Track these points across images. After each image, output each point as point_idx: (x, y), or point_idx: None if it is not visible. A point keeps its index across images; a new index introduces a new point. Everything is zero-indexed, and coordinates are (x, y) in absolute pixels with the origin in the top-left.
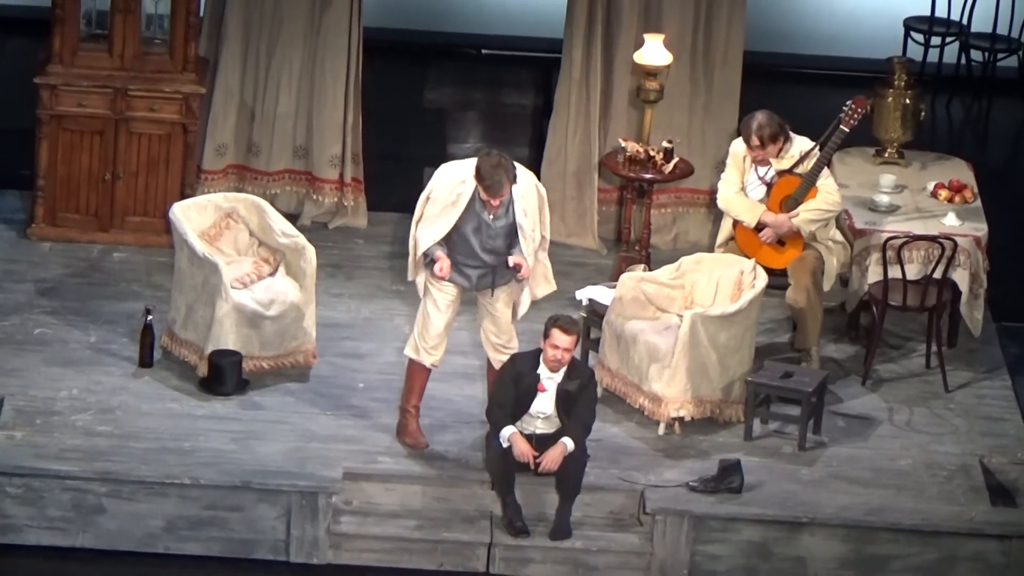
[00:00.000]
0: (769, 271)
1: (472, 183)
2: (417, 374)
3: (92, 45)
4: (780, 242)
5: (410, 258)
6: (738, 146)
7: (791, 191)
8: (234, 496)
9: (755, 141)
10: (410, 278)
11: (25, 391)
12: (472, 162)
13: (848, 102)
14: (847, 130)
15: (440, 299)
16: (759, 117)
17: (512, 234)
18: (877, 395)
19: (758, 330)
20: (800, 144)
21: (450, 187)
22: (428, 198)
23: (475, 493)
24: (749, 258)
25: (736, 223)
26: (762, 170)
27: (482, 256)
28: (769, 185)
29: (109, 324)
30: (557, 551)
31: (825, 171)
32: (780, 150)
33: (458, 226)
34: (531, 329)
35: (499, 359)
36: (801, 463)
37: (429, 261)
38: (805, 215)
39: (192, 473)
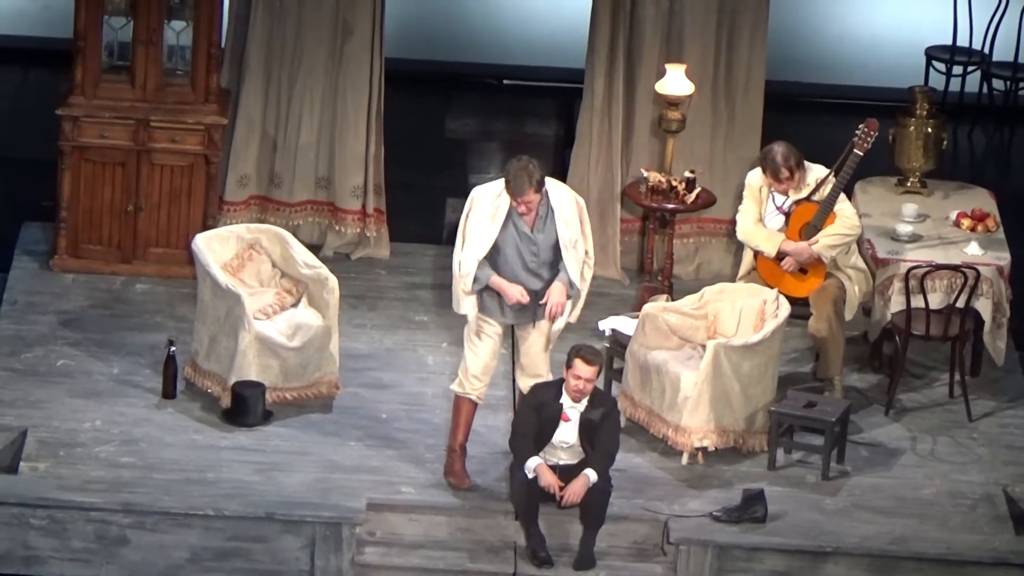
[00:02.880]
0: (791, 300)
1: (507, 196)
2: (462, 409)
3: (114, 76)
4: (802, 270)
5: (455, 287)
6: (754, 177)
7: (809, 219)
8: (258, 527)
9: (785, 173)
10: (459, 310)
11: (48, 423)
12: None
13: (860, 126)
14: (861, 154)
15: (484, 334)
16: (781, 149)
17: (556, 251)
18: (900, 424)
19: (781, 360)
20: (815, 172)
21: (488, 201)
22: (467, 216)
23: (499, 523)
24: (771, 288)
25: (757, 253)
26: (779, 199)
27: (526, 280)
28: (787, 214)
29: (132, 355)
30: None
31: (842, 196)
32: (801, 177)
33: (499, 246)
34: (556, 360)
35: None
36: (824, 493)
37: (481, 289)
38: (825, 241)
39: (216, 504)
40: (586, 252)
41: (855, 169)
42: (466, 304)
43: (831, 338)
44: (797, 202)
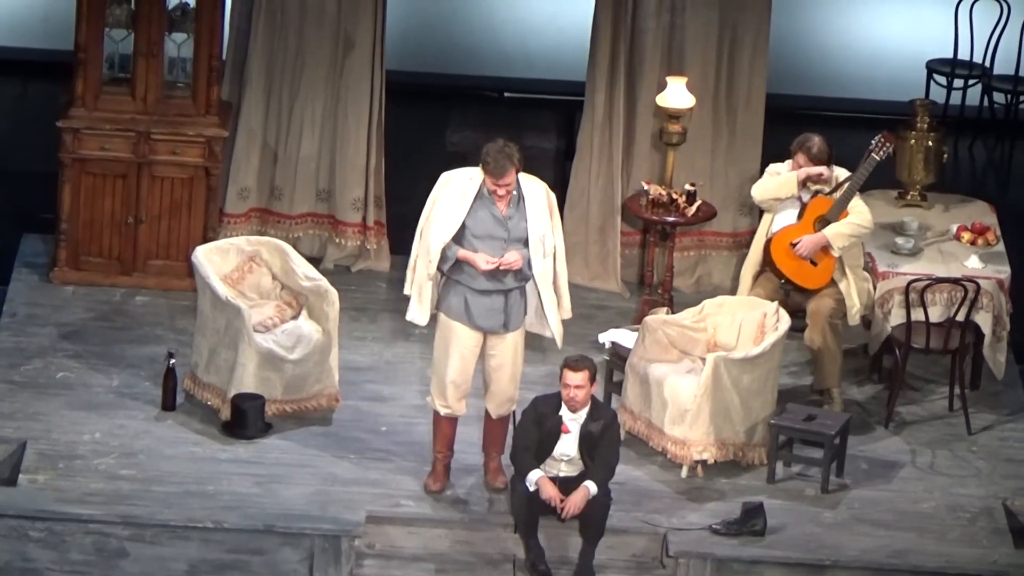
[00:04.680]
0: (794, 310)
1: (479, 179)
2: (438, 422)
3: (115, 89)
4: (812, 262)
5: (410, 266)
6: (778, 167)
7: (824, 212)
8: (257, 540)
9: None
10: (406, 291)
11: (48, 435)
12: (476, 168)
13: (877, 136)
14: (878, 159)
15: (452, 348)
16: (817, 142)
17: (525, 243)
18: (900, 437)
19: (781, 373)
20: (839, 172)
21: (457, 184)
22: (435, 200)
23: (498, 536)
24: (780, 275)
25: (768, 245)
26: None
27: (491, 277)
28: (803, 203)
29: (132, 368)
30: None
31: (857, 195)
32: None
33: (469, 227)
34: (553, 373)
35: (497, 410)
36: (824, 506)
37: (452, 266)
38: (840, 229)
39: (215, 516)
40: (555, 248)
41: (871, 172)
42: (420, 304)
43: (826, 350)
44: (815, 193)
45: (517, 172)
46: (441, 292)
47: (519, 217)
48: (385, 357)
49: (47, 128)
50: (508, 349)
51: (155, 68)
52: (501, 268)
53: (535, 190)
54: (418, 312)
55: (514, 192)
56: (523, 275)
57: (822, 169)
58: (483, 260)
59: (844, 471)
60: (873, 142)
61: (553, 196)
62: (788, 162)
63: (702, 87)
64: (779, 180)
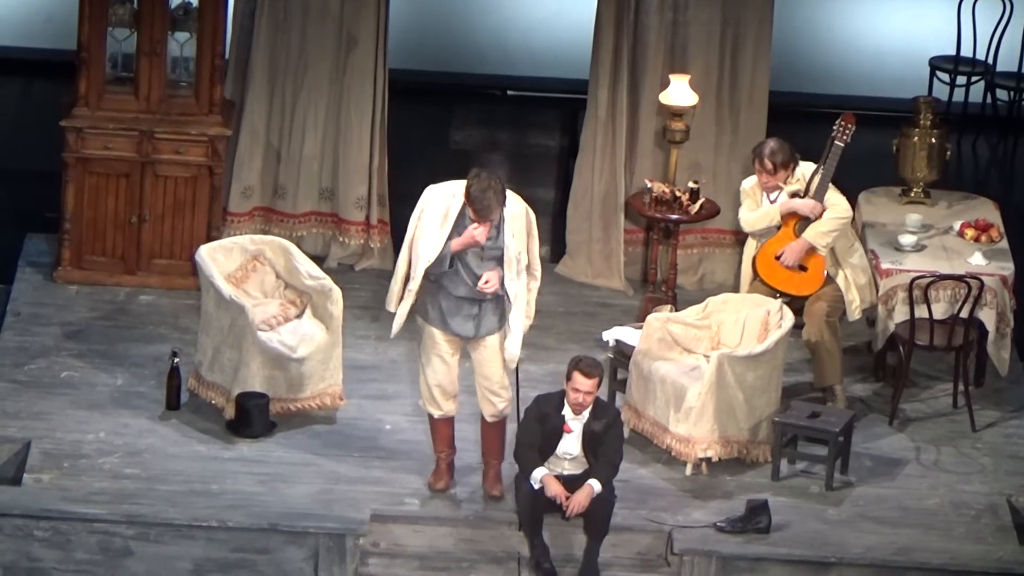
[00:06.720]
0: (794, 307)
1: (462, 199)
2: (433, 423)
3: (118, 88)
4: (802, 268)
5: (394, 284)
6: (748, 183)
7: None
8: (262, 538)
9: (768, 165)
10: (391, 308)
11: (52, 434)
12: (461, 182)
13: (838, 120)
14: (842, 145)
15: (434, 355)
16: (771, 144)
17: (500, 260)
18: (904, 435)
19: (785, 370)
20: (804, 168)
21: (440, 201)
22: (420, 216)
23: (503, 534)
24: (774, 289)
25: (755, 260)
26: (773, 196)
27: (469, 280)
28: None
29: (136, 367)
30: None
31: (830, 186)
32: (788, 177)
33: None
34: (557, 371)
35: (490, 410)
36: (828, 503)
37: (448, 265)
38: (819, 228)
39: (220, 515)
40: (528, 265)
41: (838, 160)
42: (401, 308)
43: (824, 348)
44: (790, 195)
45: (502, 207)
46: (419, 298)
47: (497, 238)
48: (389, 355)
49: (50, 128)
50: (491, 352)
51: (158, 67)
52: (478, 289)
53: (516, 211)
54: (397, 324)
55: None
56: (497, 292)
57: (809, 210)
58: (469, 237)
59: (848, 468)
60: (834, 128)
61: (533, 216)
62: (752, 177)
63: (705, 85)
64: (763, 213)
